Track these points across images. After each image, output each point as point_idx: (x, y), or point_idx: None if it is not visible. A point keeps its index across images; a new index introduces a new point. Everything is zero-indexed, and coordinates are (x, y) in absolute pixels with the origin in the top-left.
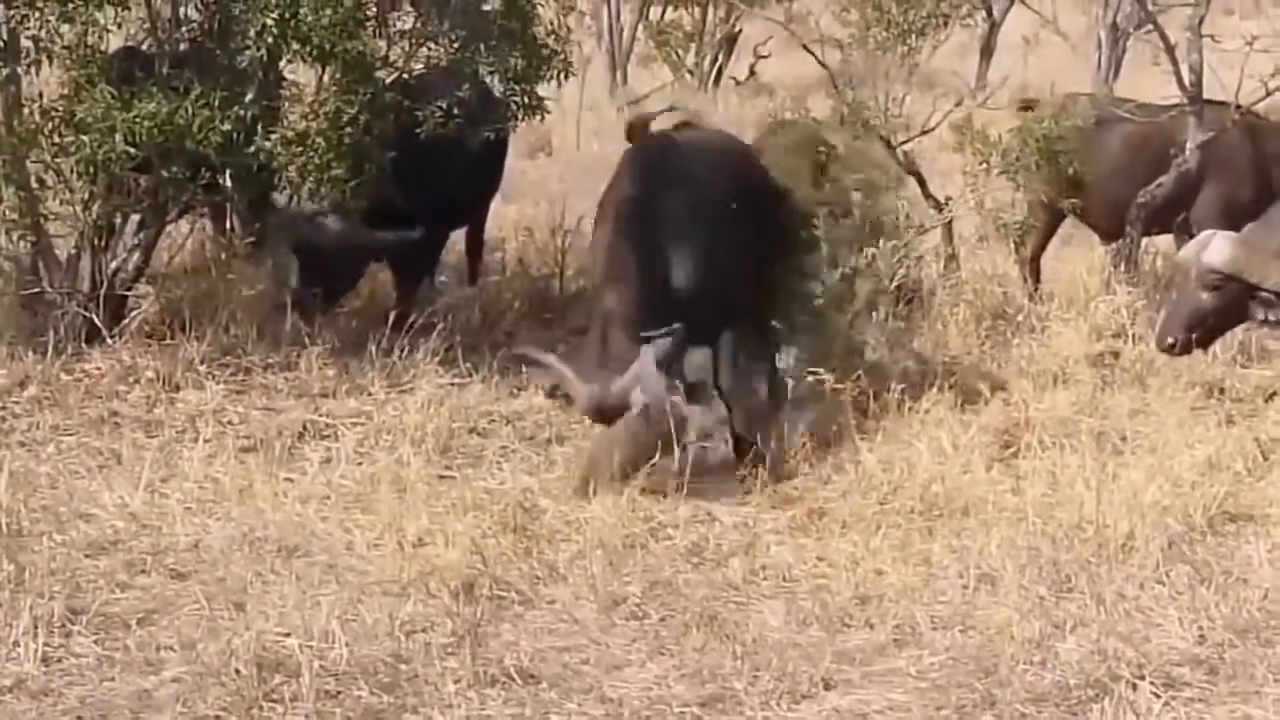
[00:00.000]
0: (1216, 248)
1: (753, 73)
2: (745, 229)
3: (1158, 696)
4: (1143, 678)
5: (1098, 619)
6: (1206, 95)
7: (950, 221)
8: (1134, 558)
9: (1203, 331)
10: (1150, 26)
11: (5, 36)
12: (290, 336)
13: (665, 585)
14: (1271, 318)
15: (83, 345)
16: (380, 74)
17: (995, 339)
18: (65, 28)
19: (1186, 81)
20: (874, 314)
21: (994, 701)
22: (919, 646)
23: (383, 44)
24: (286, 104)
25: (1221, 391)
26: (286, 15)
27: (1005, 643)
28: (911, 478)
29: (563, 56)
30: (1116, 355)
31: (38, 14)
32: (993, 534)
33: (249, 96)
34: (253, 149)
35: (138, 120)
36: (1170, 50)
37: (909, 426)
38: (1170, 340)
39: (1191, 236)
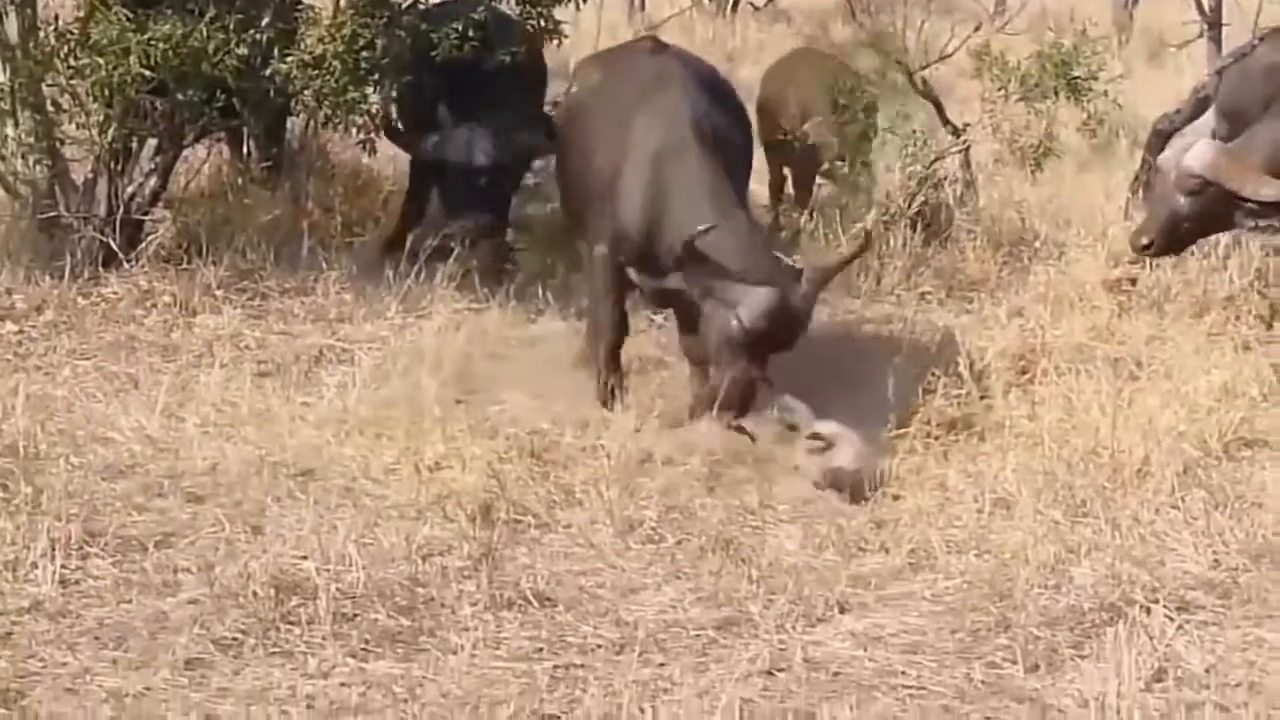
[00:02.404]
0: (1197, 153)
1: None
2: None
3: (1171, 620)
4: (1156, 601)
5: (1112, 543)
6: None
7: (968, 147)
8: (1149, 483)
9: (1179, 236)
10: None
11: None
12: (307, 261)
13: (681, 510)
14: (1260, 224)
15: (99, 270)
16: None
17: (1012, 265)
18: None
19: (1206, 6)
20: (890, 239)
21: (1008, 625)
22: (934, 570)
23: None
24: (303, 27)
25: (1238, 318)
26: None
27: (1020, 567)
28: (929, 402)
29: None
30: (1134, 281)
31: None
32: (1008, 459)
33: (265, 19)
34: (269, 72)
35: (153, 43)
36: None
37: (925, 351)
38: (1145, 240)
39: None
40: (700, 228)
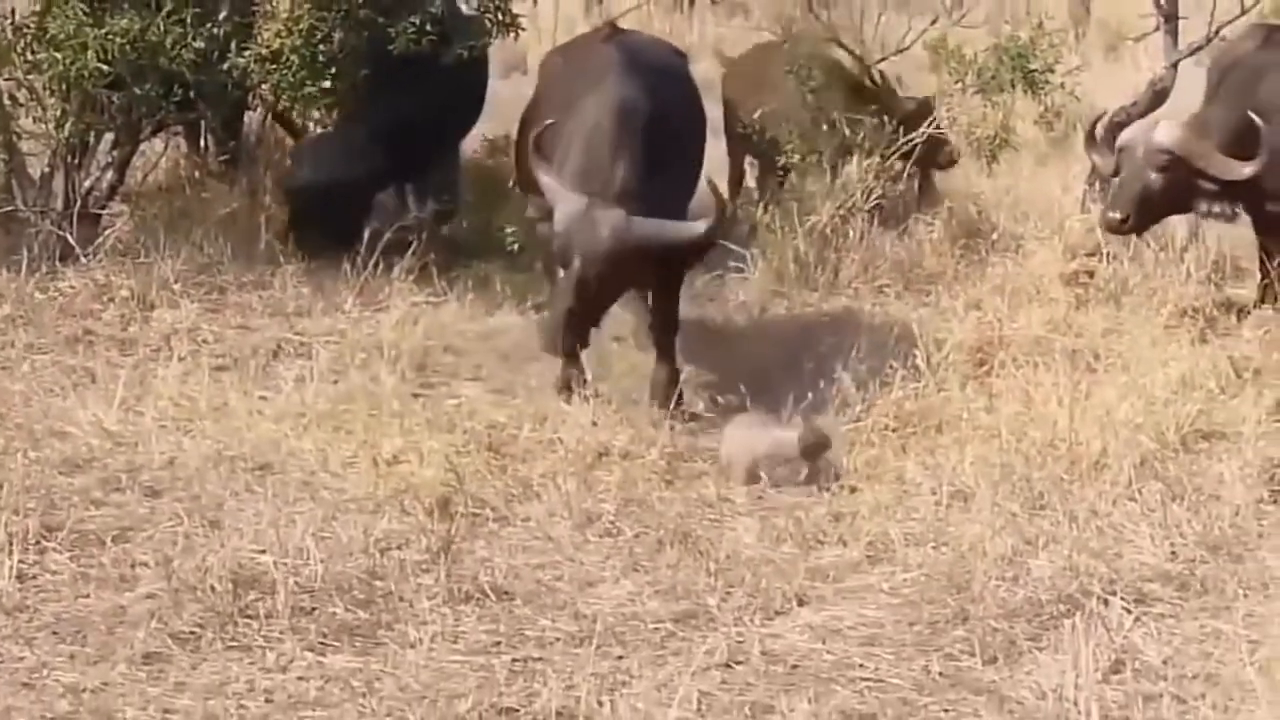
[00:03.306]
0: (1165, 129)
1: None
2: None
3: (1129, 612)
4: (1114, 593)
5: (1070, 535)
6: (1183, 15)
7: (925, 140)
8: (1106, 475)
9: (1151, 211)
10: None
11: None
12: (264, 255)
13: (639, 503)
14: (1214, 208)
15: (57, 264)
16: None
17: (969, 257)
18: None
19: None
20: (848, 231)
21: (966, 617)
22: (892, 563)
23: None
24: (260, 21)
25: (1195, 310)
26: None
27: (978, 559)
28: (885, 395)
29: None
30: (1091, 274)
31: None
32: (966, 451)
33: (222, 13)
34: (226, 66)
35: (110, 37)
36: None
37: (883, 344)
38: (1120, 216)
39: None
40: (546, 122)
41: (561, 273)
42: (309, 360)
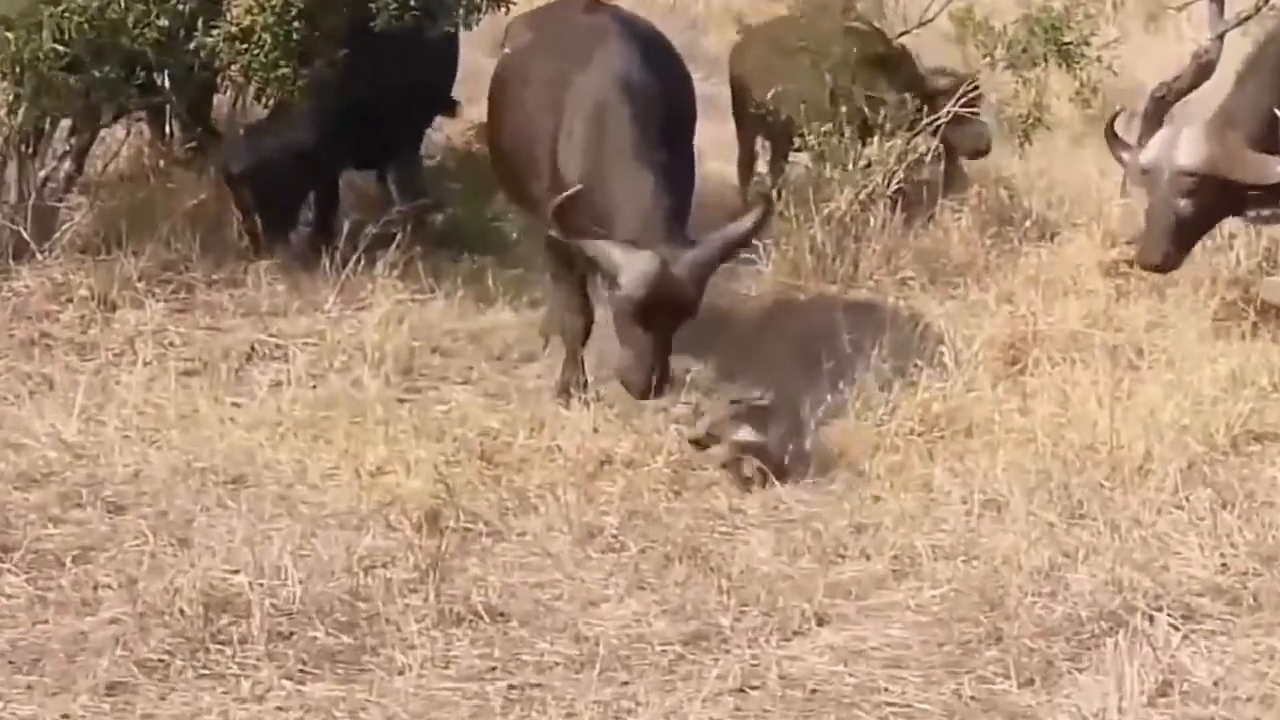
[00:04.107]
0: (1187, 149)
1: None
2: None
3: (1176, 629)
4: (1160, 609)
5: (1111, 546)
6: None
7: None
8: (1151, 481)
9: (1186, 241)
10: None
11: None
12: (236, 250)
13: (645, 515)
14: (1264, 213)
15: (10, 261)
16: None
17: (1000, 246)
18: None
19: None
20: (869, 219)
21: (1000, 636)
22: (919, 578)
23: None
24: None
25: (1245, 302)
26: None
27: (1012, 573)
28: (910, 396)
29: None
30: (1132, 264)
31: None
32: (998, 456)
33: None
34: (192, 46)
35: (66, 15)
36: None
37: (908, 341)
38: (1157, 258)
39: None
40: (567, 192)
41: (639, 331)
42: (285, 364)
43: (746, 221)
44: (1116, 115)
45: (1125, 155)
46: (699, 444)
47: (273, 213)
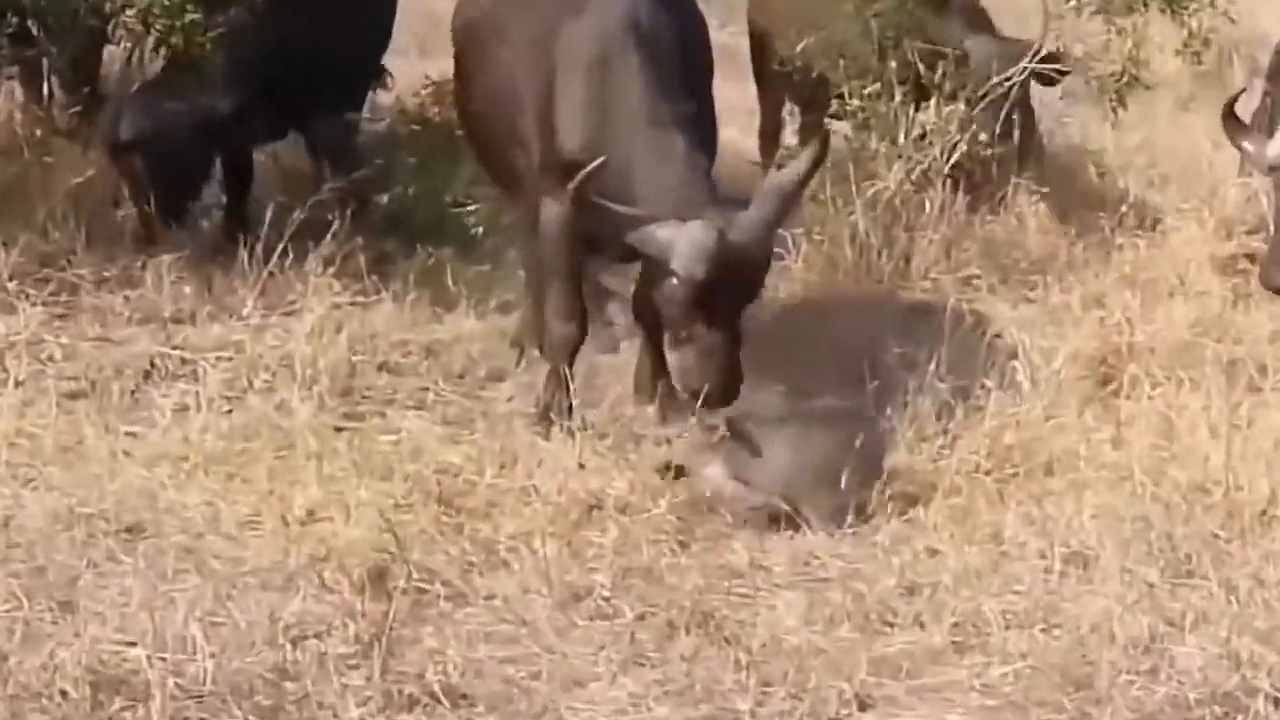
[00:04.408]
0: None
1: None
2: None
3: None
4: None
5: (1227, 612)
6: None
7: (1027, 77)
8: (1276, 530)
9: None
10: None
11: None
12: (132, 241)
13: (643, 573)
14: None
15: None
16: None
17: (1088, 237)
18: None
19: None
20: (924, 203)
21: None
22: (986, 652)
23: None
24: None
25: None
26: None
27: (1103, 645)
28: (976, 425)
29: None
30: (1252, 259)
31: None
32: (1086, 499)
33: None
34: None
35: None
36: None
37: (972, 355)
38: None
39: None
40: (589, 166)
41: (701, 323)
42: (194, 383)
43: (801, 162)
44: (1237, 97)
45: (1248, 144)
46: (669, 471)
47: (170, 192)
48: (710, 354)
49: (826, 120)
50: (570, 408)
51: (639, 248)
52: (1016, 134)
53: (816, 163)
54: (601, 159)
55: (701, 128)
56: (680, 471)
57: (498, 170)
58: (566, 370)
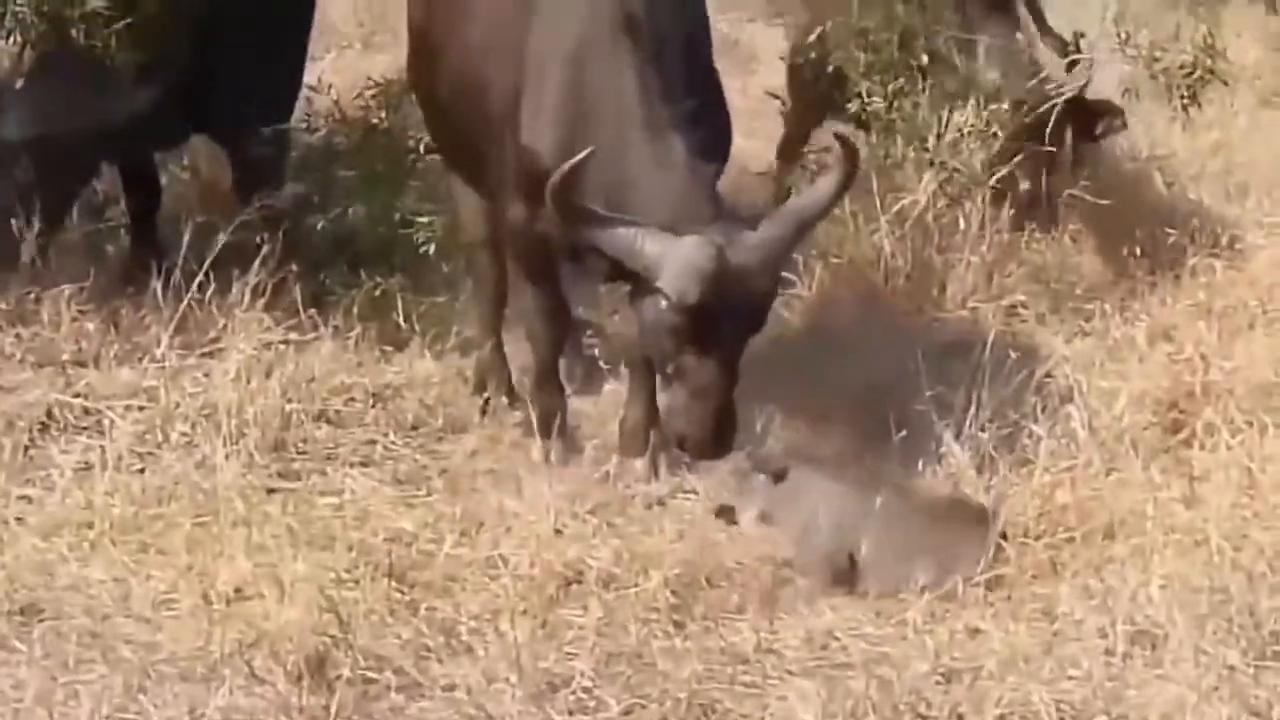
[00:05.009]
0: None
1: None
2: None
3: None
4: None
5: None
6: None
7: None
8: None
9: None
10: None
11: None
12: (26, 270)
13: (631, 659)
14: None
15: None
16: None
17: (1156, 259)
18: None
19: None
20: (959, 219)
21: None
22: None
23: None
24: None
25: None
26: None
27: None
28: (1024, 480)
29: None
30: None
31: None
32: (1153, 567)
33: None
34: None
35: None
36: None
37: (1018, 397)
38: None
39: None
40: (574, 159)
41: (691, 354)
42: (98, 437)
43: (826, 183)
44: None
45: None
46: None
47: (55, 203)
48: (703, 395)
49: (848, 130)
50: (565, 423)
51: (624, 261)
52: (1069, 136)
53: (844, 186)
54: (590, 149)
55: (707, 129)
56: (731, 515)
57: (462, 161)
58: (555, 374)
